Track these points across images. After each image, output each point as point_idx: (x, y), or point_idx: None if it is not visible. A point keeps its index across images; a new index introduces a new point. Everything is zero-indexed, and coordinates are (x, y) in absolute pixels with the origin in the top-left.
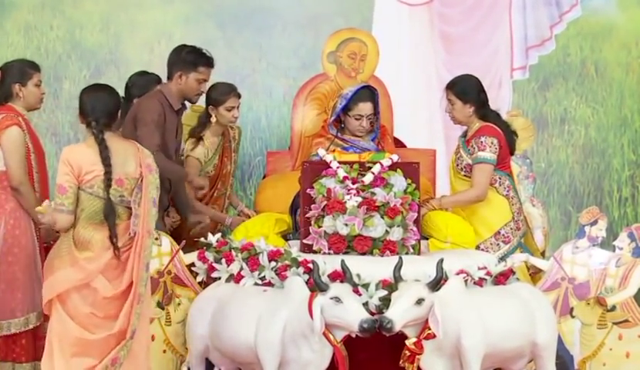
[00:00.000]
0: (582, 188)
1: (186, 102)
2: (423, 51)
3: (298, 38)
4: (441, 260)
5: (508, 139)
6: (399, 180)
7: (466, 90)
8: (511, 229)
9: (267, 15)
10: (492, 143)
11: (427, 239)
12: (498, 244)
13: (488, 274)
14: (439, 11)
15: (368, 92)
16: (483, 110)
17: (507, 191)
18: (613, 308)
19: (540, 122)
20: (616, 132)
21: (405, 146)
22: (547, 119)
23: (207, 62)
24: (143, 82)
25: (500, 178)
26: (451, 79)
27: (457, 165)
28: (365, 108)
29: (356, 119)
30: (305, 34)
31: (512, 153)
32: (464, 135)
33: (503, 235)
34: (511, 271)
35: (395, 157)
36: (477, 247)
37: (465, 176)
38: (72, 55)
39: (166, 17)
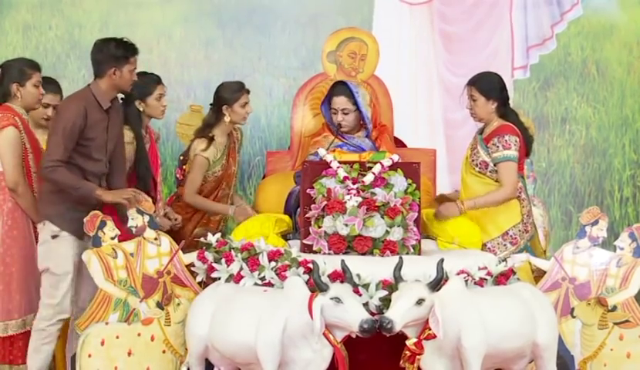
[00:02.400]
0: (583, 188)
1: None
2: (424, 50)
3: (298, 37)
4: (441, 261)
5: (525, 139)
6: (399, 180)
7: (490, 87)
8: (519, 231)
9: (266, 15)
10: (515, 142)
11: (429, 238)
12: (505, 245)
13: (489, 274)
14: (440, 10)
15: (342, 87)
16: (504, 108)
17: (519, 192)
18: (614, 308)
19: (541, 122)
20: (617, 131)
21: (405, 146)
22: (548, 119)
23: (135, 50)
24: (142, 82)
25: None
26: (473, 75)
27: (472, 161)
28: (337, 101)
29: (333, 113)
30: (305, 33)
31: (527, 155)
32: (481, 131)
33: (511, 236)
34: (512, 271)
35: (395, 157)
36: (484, 246)
37: (479, 172)
38: (71, 55)
39: (165, 16)
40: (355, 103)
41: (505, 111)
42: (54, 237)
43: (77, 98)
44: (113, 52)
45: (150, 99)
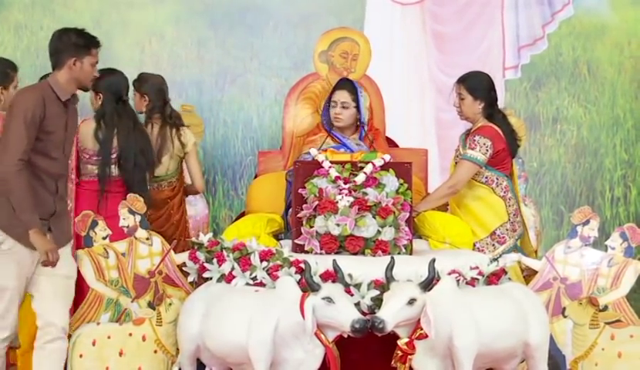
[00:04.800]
0: (574, 188)
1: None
2: (416, 50)
3: (290, 37)
4: (433, 260)
5: (510, 141)
6: (391, 180)
7: (478, 86)
8: (507, 230)
9: (258, 14)
10: (484, 144)
11: (420, 238)
12: (494, 245)
13: (480, 273)
14: (432, 10)
15: (347, 83)
16: (491, 109)
17: (504, 192)
18: (605, 308)
19: (532, 122)
20: (608, 131)
21: (397, 146)
22: (540, 119)
23: (98, 43)
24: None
25: (497, 178)
26: (463, 74)
27: (456, 162)
28: (339, 95)
29: (332, 106)
30: (297, 33)
31: (513, 156)
32: (467, 132)
33: (499, 235)
34: (503, 271)
35: (387, 157)
36: (473, 247)
37: None
38: None
39: (157, 16)
40: (356, 100)
41: (492, 112)
42: None
43: (33, 88)
44: (74, 40)
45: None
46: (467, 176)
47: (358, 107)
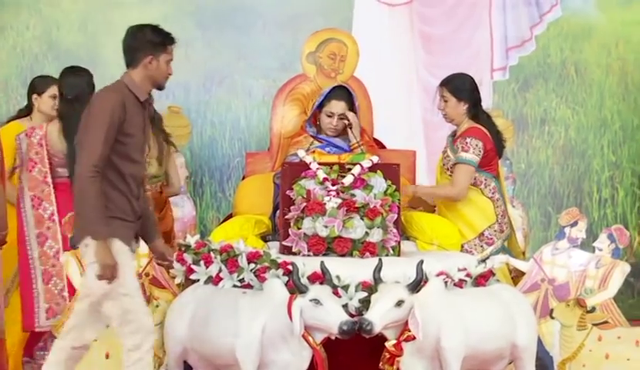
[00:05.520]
0: (562, 189)
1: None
2: (403, 51)
3: (278, 38)
4: (421, 262)
5: (496, 141)
6: (379, 182)
7: (461, 87)
8: (495, 231)
9: (246, 15)
10: (476, 146)
11: (408, 239)
12: (482, 246)
13: (468, 275)
14: (419, 11)
15: (344, 92)
16: (475, 110)
17: (492, 193)
18: (593, 310)
19: (520, 123)
20: (596, 133)
21: (385, 147)
22: (527, 120)
23: (173, 39)
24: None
25: (485, 180)
26: (445, 76)
27: (444, 165)
28: (337, 106)
29: (328, 116)
30: (285, 34)
31: (500, 156)
32: (452, 134)
33: (487, 237)
34: (491, 273)
35: (375, 159)
36: (461, 248)
37: (451, 175)
38: (49, 55)
39: (144, 17)
40: (352, 109)
41: (476, 112)
42: None
43: (112, 89)
44: (150, 37)
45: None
46: (469, 180)
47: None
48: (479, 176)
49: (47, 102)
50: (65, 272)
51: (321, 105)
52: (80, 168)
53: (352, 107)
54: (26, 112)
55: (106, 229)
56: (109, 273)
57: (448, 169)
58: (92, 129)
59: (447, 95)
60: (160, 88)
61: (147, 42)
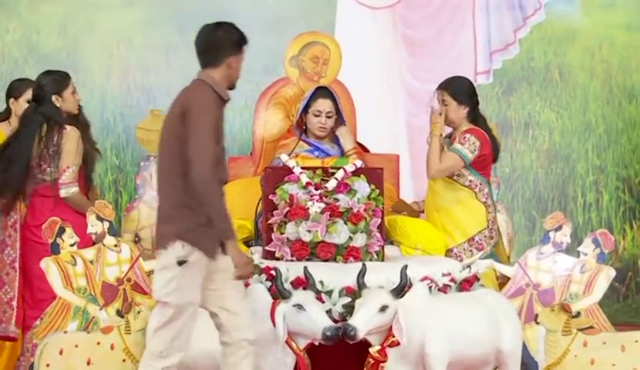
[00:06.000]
0: (546, 193)
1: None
2: (387, 54)
3: (260, 41)
4: (405, 267)
5: (493, 146)
6: (362, 186)
7: (461, 91)
8: (485, 237)
9: (228, 19)
10: (473, 143)
11: (392, 244)
12: (471, 251)
13: (452, 280)
14: (402, 14)
15: (328, 92)
16: (474, 114)
17: (486, 198)
18: (578, 315)
19: (504, 127)
20: (580, 137)
21: (368, 151)
22: (511, 124)
23: (247, 39)
24: (56, 77)
25: (480, 184)
26: (443, 80)
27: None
28: (324, 104)
29: (315, 115)
30: (267, 37)
31: (495, 161)
32: (449, 136)
33: (477, 242)
34: (475, 277)
35: (358, 163)
36: (450, 251)
37: (448, 177)
38: (29, 59)
39: (125, 20)
40: (336, 108)
41: (475, 116)
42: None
43: (206, 88)
44: (232, 36)
45: (66, 93)
46: (452, 168)
47: (338, 114)
48: (474, 179)
49: (23, 106)
50: (16, 283)
51: (306, 107)
52: (198, 172)
53: (336, 107)
54: (5, 115)
55: (233, 227)
56: (248, 270)
57: None
58: (202, 130)
59: (447, 99)
60: (233, 87)
61: (230, 41)
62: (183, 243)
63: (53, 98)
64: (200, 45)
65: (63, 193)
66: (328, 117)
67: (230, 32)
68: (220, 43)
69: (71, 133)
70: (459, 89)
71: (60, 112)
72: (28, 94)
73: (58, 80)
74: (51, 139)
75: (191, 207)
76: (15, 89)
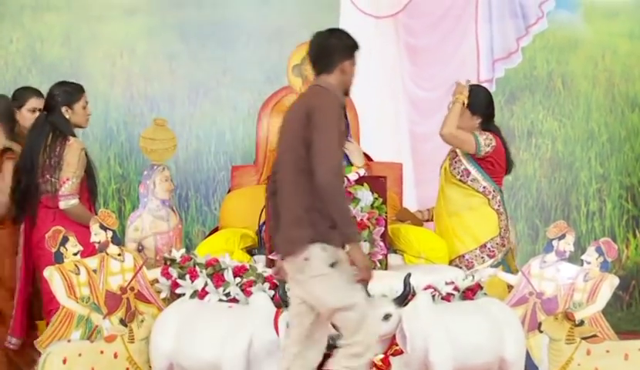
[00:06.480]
0: (549, 202)
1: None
2: (389, 63)
3: (263, 51)
4: (408, 275)
5: (506, 155)
6: (365, 195)
7: (476, 100)
8: (497, 244)
9: (231, 28)
10: (490, 140)
11: (395, 253)
12: (482, 257)
13: (456, 289)
14: (405, 23)
15: None
16: (487, 124)
17: (498, 206)
18: (581, 323)
19: (507, 136)
20: (583, 145)
21: (371, 160)
22: (514, 133)
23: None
24: (68, 89)
25: (493, 191)
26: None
27: (454, 168)
28: None
29: None
30: (270, 47)
31: (507, 172)
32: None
33: (489, 249)
34: (479, 286)
35: (361, 171)
36: (462, 257)
37: (460, 180)
38: (33, 69)
39: (128, 30)
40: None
41: (488, 127)
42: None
43: (331, 93)
44: (347, 41)
45: (77, 106)
46: (463, 143)
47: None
48: (488, 186)
49: (25, 115)
50: (16, 293)
51: None
52: (325, 176)
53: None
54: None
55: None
56: (370, 275)
57: (458, 173)
58: (331, 132)
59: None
60: (347, 94)
61: (343, 46)
62: (322, 245)
63: (63, 109)
64: (314, 52)
65: (62, 205)
66: None
67: (341, 38)
68: (333, 49)
69: (74, 145)
70: (474, 98)
71: (68, 123)
72: (31, 103)
73: (69, 92)
74: (54, 149)
75: (321, 211)
76: (17, 98)
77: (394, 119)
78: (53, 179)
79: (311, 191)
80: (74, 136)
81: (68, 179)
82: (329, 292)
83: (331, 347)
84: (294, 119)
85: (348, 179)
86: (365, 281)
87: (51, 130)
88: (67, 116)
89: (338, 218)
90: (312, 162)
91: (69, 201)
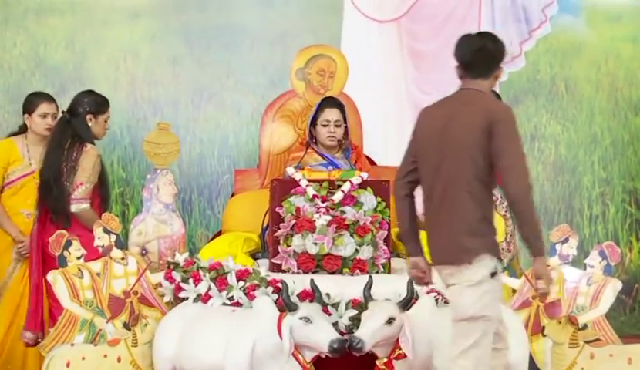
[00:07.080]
0: (553, 206)
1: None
2: (392, 67)
3: (266, 54)
4: (411, 279)
5: None
6: (369, 198)
7: None
8: (502, 249)
9: (234, 32)
10: None
11: (399, 256)
12: None
13: None
14: (408, 27)
15: (335, 102)
16: None
17: (505, 211)
18: (584, 327)
19: None
20: (586, 149)
21: (375, 164)
22: None
23: None
24: (98, 99)
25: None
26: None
27: None
28: (331, 113)
29: (324, 125)
30: (273, 51)
31: None
32: None
33: None
34: None
35: (365, 175)
36: None
37: None
38: (37, 73)
39: (132, 34)
40: (344, 118)
41: None
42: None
43: (495, 100)
44: (503, 48)
45: (101, 118)
46: None
47: (345, 124)
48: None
49: (36, 121)
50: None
51: (314, 119)
52: (520, 188)
53: (344, 117)
54: (25, 128)
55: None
56: (550, 289)
57: None
58: (518, 146)
59: None
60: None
61: (503, 53)
62: (490, 255)
63: (87, 117)
64: (472, 55)
65: (74, 208)
66: (337, 126)
67: (502, 45)
68: (497, 55)
69: (90, 151)
70: None
71: (89, 131)
72: (42, 108)
73: (98, 103)
74: (71, 154)
75: (491, 221)
76: (27, 104)
77: (397, 122)
78: (67, 183)
79: (485, 201)
80: (92, 143)
81: (81, 184)
82: (476, 301)
83: (334, 351)
84: (469, 127)
85: (351, 183)
86: (545, 294)
87: (71, 134)
88: (89, 124)
89: (530, 231)
90: (503, 175)
91: (80, 205)
